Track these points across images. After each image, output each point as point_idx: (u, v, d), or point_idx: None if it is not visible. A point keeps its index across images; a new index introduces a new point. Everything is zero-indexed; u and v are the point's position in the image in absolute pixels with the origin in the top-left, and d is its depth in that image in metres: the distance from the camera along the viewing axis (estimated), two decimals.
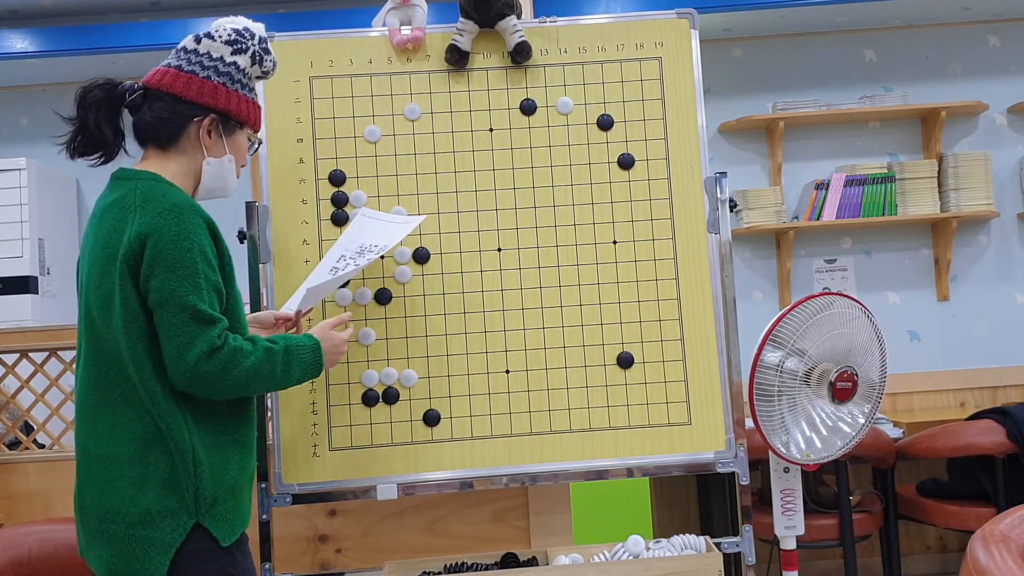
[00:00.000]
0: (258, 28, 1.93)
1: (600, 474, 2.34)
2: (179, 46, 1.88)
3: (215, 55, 1.86)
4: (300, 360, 1.83)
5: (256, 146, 2.01)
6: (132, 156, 1.89)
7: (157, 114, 1.83)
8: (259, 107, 1.95)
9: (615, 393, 2.34)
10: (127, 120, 1.87)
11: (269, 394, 2.29)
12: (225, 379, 1.71)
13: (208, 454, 1.74)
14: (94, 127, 1.82)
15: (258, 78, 1.95)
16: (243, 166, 1.95)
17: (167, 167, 1.83)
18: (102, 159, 1.86)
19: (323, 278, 2.07)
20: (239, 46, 1.88)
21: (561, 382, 2.34)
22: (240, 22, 1.91)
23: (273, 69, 1.96)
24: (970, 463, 3.52)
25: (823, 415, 2.41)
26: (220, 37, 1.87)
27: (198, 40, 1.87)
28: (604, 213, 2.38)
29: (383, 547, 2.54)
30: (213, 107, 1.85)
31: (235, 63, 1.87)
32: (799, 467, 2.50)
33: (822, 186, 4.26)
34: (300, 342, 1.85)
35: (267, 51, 1.93)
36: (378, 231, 2.20)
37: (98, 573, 1.74)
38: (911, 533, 4.28)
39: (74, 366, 2.71)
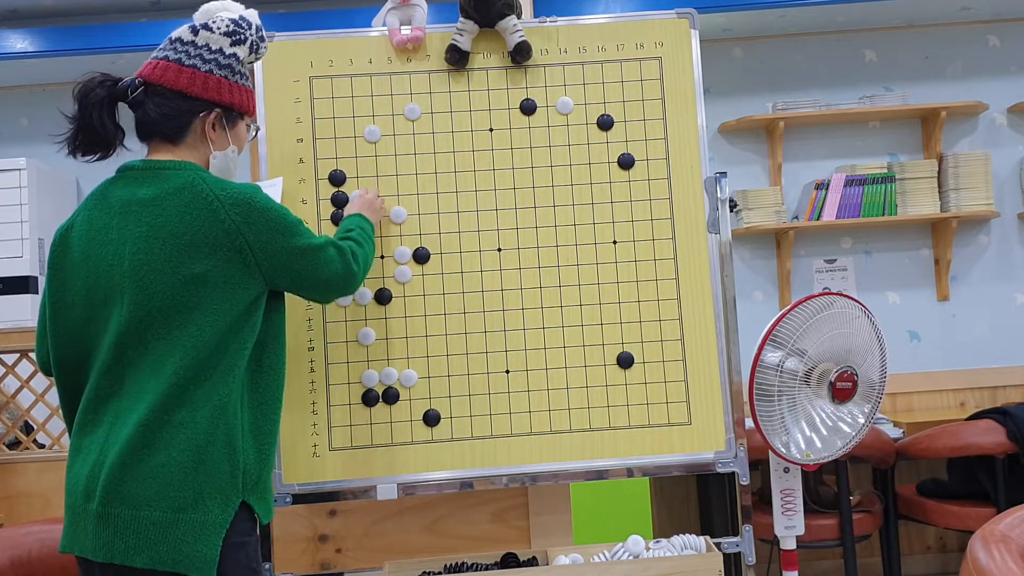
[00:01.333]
0: (252, 16, 1.91)
1: (600, 474, 2.34)
2: (174, 36, 1.84)
3: (214, 47, 1.83)
4: (367, 228, 2.11)
5: (255, 132, 2.01)
6: (131, 151, 1.86)
7: (161, 110, 1.81)
8: (254, 92, 1.95)
9: (615, 393, 2.34)
10: (126, 114, 1.85)
11: None
12: (366, 262, 2.01)
13: (253, 430, 1.76)
14: (98, 125, 1.80)
15: (250, 63, 1.94)
16: (240, 152, 1.95)
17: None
18: (101, 156, 1.84)
19: None
20: (238, 37, 1.86)
21: (561, 382, 2.34)
22: (233, 9, 1.89)
23: (265, 53, 1.96)
24: (970, 463, 3.52)
25: (823, 415, 2.41)
26: (219, 29, 1.84)
27: (195, 32, 1.84)
28: (604, 213, 2.38)
29: (383, 547, 2.54)
30: (218, 102, 1.84)
31: (235, 54, 1.86)
32: (799, 467, 2.50)
33: (822, 186, 4.26)
34: (351, 222, 2.10)
35: (263, 39, 1.92)
36: None
37: (135, 564, 1.63)
38: (911, 533, 4.28)
39: None
